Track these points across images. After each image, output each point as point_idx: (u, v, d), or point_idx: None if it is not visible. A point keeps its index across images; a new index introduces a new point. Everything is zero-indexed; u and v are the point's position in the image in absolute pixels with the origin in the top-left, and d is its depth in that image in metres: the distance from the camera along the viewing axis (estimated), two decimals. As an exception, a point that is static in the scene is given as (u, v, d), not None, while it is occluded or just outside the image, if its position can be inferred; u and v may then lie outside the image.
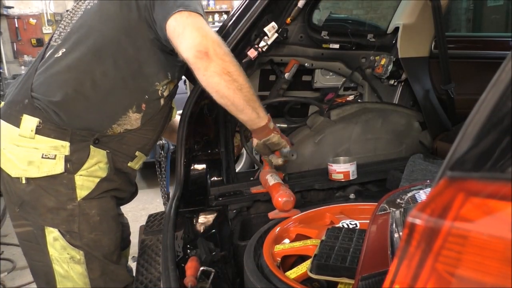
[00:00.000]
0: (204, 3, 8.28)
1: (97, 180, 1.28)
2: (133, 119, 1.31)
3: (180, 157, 1.55)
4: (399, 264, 0.41)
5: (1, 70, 6.40)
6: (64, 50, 1.27)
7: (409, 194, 1.09)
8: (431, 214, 0.39)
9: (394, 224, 0.88)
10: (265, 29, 1.65)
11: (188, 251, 1.23)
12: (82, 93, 1.24)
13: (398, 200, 1.06)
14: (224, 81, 1.17)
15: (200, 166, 1.70)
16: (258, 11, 1.53)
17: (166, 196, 2.03)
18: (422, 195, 1.08)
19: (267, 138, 1.36)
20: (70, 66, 1.25)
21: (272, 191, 1.37)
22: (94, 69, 1.25)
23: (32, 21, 7.72)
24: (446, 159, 0.42)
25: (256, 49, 1.64)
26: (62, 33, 1.34)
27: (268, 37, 1.66)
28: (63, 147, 1.22)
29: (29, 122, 1.21)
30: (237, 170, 1.86)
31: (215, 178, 1.71)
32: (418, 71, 2.09)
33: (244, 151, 2.08)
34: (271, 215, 1.33)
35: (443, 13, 1.99)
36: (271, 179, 1.44)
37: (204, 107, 1.65)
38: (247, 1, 1.66)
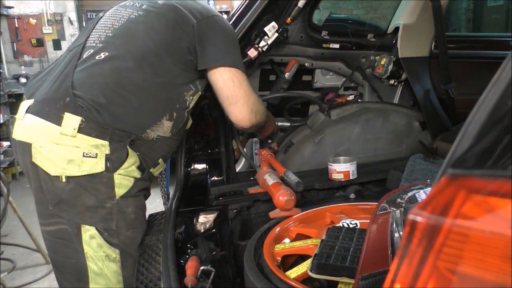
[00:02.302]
0: (204, 3, 8.27)
1: (133, 179, 1.30)
2: (165, 127, 1.36)
3: (180, 157, 1.55)
4: (400, 262, 0.41)
5: (1, 70, 6.40)
6: (106, 53, 1.31)
7: (409, 194, 1.09)
8: (432, 212, 0.39)
9: (394, 224, 0.88)
10: (265, 29, 1.65)
11: (189, 250, 1.23)
12: (124, 97, 1.27)
13: (398, 200, 1.06)
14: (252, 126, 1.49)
15: (200, 166, 1.70)
16: (258, 11, 1.53)
17: (166, 196, 2.03)
18: (422, 194, 1.08)
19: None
20: (113, 70, 1.29)
21: (272, 190, 1.36)
22: (135, 76, 1.30)
23: (32, 21, 7.72)
24: (447, 157, 0.42)
25: (256, 48, 1.64)
26: (102, 36, 1.37)
27: (268, 37, 1.66)
28: (103, 146, 1.23)
29: (72, 120, 1.21)
30: (237, 170, 1.86)
31: (215, 178, 1.71)
32: (418, 71, 2.10)
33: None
34: (272, 214, 1.33)
35: (443, 13, 1.99)
36: (270, 179, 1.44)
37: (204, 107, 1.65)
38: (247, 1, 1.66)
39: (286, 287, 0.90)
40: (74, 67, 1.30)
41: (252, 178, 1.70)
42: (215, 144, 1.72)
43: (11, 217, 3.16)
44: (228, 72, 1.39)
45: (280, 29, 1.69)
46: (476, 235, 0.36)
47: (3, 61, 7.30)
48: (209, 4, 8.53)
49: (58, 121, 1.21)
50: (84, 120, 1.21)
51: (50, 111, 1.24)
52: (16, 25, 7.62)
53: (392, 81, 2.11)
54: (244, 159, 1.85)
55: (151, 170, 1.41)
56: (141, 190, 1.35)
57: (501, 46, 2.44)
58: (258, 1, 1.55)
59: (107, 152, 1.23)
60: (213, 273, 1.04)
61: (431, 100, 2.09)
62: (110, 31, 1.37)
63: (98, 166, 1.23)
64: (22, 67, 7.49)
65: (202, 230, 1.40)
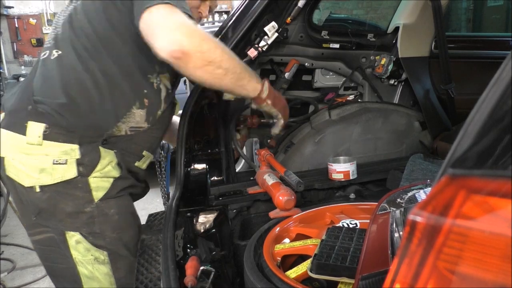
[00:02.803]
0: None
1: (112, 179, 1.27)
2: (138, 116, 1.30)
3: (180, 157, 1.55)
4: (400, 262, 0.41)
5: (1, 70, 6.40)
6: (59, 52, 1.26)
7: (409, 194, 1.09)
8: (432, 212, 0.39)
9: (394, 224, 0.88)
10: (265, 29, 1.65)
11: (188, 250, 1.23)
12: (85, 93, 1.23)
13: (398, 200, 1.06)
14: (207, 72, 1.14)
15: (200, 166, 1.70)
16: (258, 11, 1.53)
17: (166, 196, 2.03)
18: (422, 194, 1.08)
19: (259, 105, 1.37)
20: (68, 67, 1.24)
21: (272, 190, 1.36)
22: (92, 68, 1.23)
23: (32, 21, 7.72)
24: (447, 157, 0.42)
25: (256, 48, 1.64)
26: (53, 34, 1.33)
27: (268, 36, 1.66)
28: (73, 151, 1.20)
29: (36, 128, 1.19)
30: (237, 170, 1.86)
31: (215, 178, 1.71)
32: (418, 71, 2.09)
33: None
34: (272, 214, 1.33)
35: (443, 13, 1.99)
36: (270, 179, 1.44)
37: (204, 107, 1.65)
38: (247, 1, 1.66)
39: (286, 287, 0.90)
40: (34, 73, 1.28)
41: (252, 178, 1.70)
42: (215, 144, 1.72)
43: (11, 217, 3.17)
44: (152, 9, 1.10)
45: (280, 29, 1.69)
46: (476, 235, 0.36)
47: (3, 61, 7.30)
48: (209, 4, 8.52)
49: (23, 131, 1.19)
50: (48, 126, 1.19)
51: (16, 122, 1.22)
52: (16, 25, 7.63)
53: (392, 81, 2.11)
54: (243, 159, 1.85)
55: (136, 164, 1.38)
56: (124, 190, 1.32)
57: (501, 46, 2.44)
58: (258, 1, 1.55)
59: (78, 156, 1.20)
60: (213, 273, 1.04)
61: (431, 100, 2.09)
62: (59, 28, 1.32)
63: (69, 172, 1.20)
64: (22, 67, 7.50)
65: (202, 230, 1.40)
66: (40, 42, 7.61)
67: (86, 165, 1.22)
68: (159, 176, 2.00)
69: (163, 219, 1.57)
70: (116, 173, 1.29)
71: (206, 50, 1.12)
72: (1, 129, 1.25)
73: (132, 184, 1.38)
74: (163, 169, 1.99)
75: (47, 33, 7.61)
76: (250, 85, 1.28)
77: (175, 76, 1.43)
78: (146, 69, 1.30)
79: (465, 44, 2.58)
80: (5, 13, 7.40)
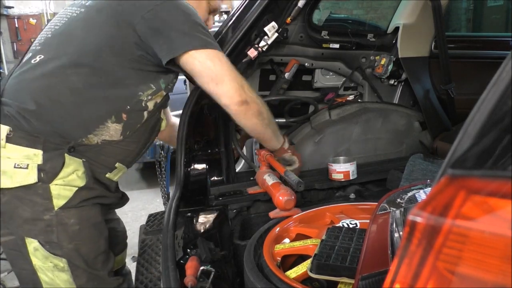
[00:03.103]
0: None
1: (75, 189, 1.23)
2: (112, 130, 1.27)
3: (180, 157, 1.55)
4: (400, 263, 0.41)
5: (1, 70, 6.40)
6: (42, 56, 1.24)
7: (409, 194, 1.09)
8: (432, 212, 0.39)
9: (394, 224, 0.88)
10: (265, 29, 1.65)
11: (188, 250, 1.23)
12: (56, 101, 1.20)
13: (398, 200, 1.06)
14: (259, 121, 1.36)
15: (200, 166, 1.70)
16: (258, 11, 1.53)
17: (166, 196, 2.03)
18: (422, 194, 1.08)
19: (281, 156, 1.57)
20: (45, 74, 1.21)
21: (272, 190, 1.36)
22: (71, 78, 1.21)
23: (32, 21, 7.72)
24: (447, 157, 0.42)
25: (256, 48, 1.64)
26: (42, 38, 1.31)
27: (268, 36, 1.66)
28: (35, 156, 1.17)
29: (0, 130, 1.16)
30: (237, 170, 1.86)
31: (215, 178, 1.71)
32: (418, 71, 2.10)
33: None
34: (272, 214, 1.33)
35: (443, 13, 1.99)
36: (269, 179, 1.44)
37: (204, 107, 1.65)
38: (247, 1, 1.66)
39: (286, 287, 0.90)
40: (10, 74, 1.26)
41: (252, 178, 1.70)
42: (215, 144, 1.72)
43: (11, 217, 3.16)
44: (202, 53, 1.23)
45: (280, 29, 1.69)
46: (476, 235, 0.36)
47: (3, 61, 7.30)
48: (209, 4, 8.53)
49: None
50: (11, 129, 1.16)
51: None
52: (16, 25, 7.63)
53: (392, 81, 2.11)
54: (243, 159, 1.85)
55: (107, 175, 1.33)
56: (87, 200, 1.26)
57: (501, 46, 2.44)
58: (258, 1, 1.55)
59: (39, 162, 1.17)
60: (213, 273, 1.04)
61: (431, 100, 2.09)
62: (50, 33, 1.30)
63: (30, 177, 1.17)
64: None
65: (202, 230, 1.40)
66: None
67: (48, 171, 1.18)
68: (159, 176, 2.00)
69: (163, 219, 1.57)
70: (80, 182, 1.23)
71: (259, 103, 1.35)
72: None
73: (100, 195, 1.32)
74: (163, 169, 1.99)
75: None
76: (279, 134, 1.52)
77: (168, 94, 1.42)
78: (142, 88, 1.29)
79: (465, 44, 2.58)
80: (5, 13, 7.40)
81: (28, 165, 1.16)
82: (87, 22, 1.27)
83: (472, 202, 0.37)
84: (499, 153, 0.39)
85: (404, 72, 2.07)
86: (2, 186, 1.17)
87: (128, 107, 1.27)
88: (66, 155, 1.21)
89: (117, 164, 1.34)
